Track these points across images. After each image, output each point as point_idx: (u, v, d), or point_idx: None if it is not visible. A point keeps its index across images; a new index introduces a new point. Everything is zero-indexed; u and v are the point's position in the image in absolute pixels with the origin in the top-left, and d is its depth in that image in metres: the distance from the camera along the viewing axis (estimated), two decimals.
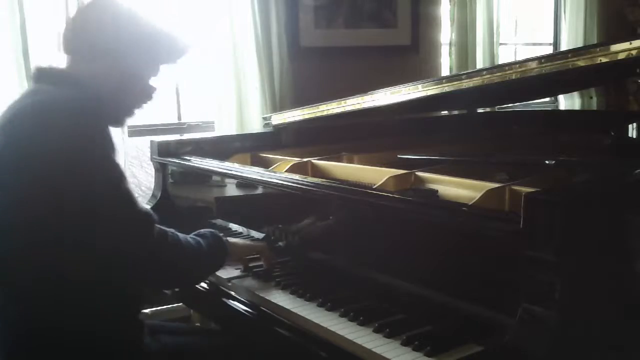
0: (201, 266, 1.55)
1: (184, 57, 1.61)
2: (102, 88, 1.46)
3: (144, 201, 2.58)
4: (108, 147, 1.38)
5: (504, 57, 4.23)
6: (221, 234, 1.62)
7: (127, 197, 1.41)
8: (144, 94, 1.56)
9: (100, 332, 1.39)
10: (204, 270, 1.59)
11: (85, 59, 1.47)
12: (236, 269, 1.70)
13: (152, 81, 1.56)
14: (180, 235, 1.49)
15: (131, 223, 1.39)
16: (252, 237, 1.92)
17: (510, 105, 2.69)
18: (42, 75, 1.48)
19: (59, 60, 1.53)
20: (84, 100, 1.39)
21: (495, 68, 1.69)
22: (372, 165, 1.90)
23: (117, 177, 1.39)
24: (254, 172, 1.88)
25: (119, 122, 1.58)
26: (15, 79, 2.61)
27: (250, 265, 1.69)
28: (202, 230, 1.60)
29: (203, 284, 1.71)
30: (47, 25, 2.71)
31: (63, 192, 1.31)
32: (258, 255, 1.71)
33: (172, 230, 1.49)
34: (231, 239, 1.66)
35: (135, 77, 1.51)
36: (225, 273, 1.67)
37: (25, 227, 1.32)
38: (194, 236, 1.54)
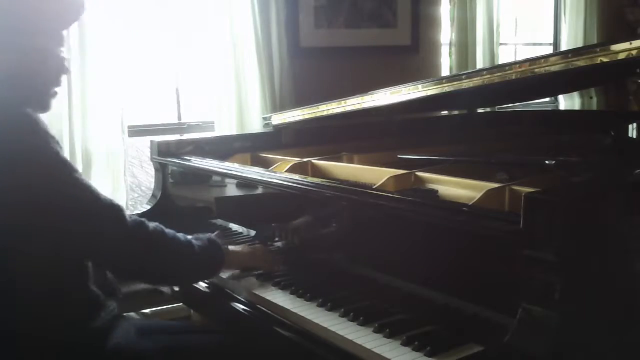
0: (188, 264, 1.50)
1: (81, 16, 1.51)
2: (6, 74, 1.37)
3: (144, 201, 2.59)
4: (47, 138, 1.31)
5: (504, 57, 4.23)
6: (220, 242, 1.59)
7: (82, 187, 1.34)
8: (57, 65, 1.45)
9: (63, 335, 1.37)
10: (192, 270, 1.54)
11: None
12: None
13: (60, 51, 1.45)
14: (169, 230, 1.45)
15: (97, 216, 1.34)
16: (250, 236, 1.92)
17: (510, 105, 2.69)
18: None
19: None
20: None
21: (495, 68, 1.69)
22: (372, 165, 1.90)
23: (63, 170, 1.32)
24: (254, 172, 1.88)
25: (43, 106, 1.46)
26: None
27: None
28: (202, 234, 1.58)
29: (203, 284, 1.71)
30: None
31: (16, 200, 1.26)
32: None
33: (156, 223, 1.45)
34: (233, 248, 1.64)
35: (34, 48, 1.39)
36: (224, 273, 1.67)
37: None
38: (188, 236, 1.51)
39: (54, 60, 1.43)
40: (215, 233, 1.64)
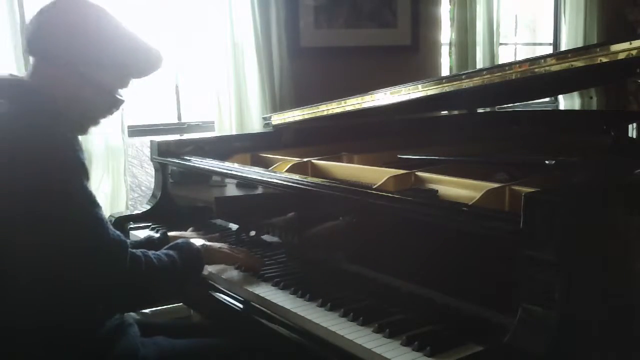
0: (175, 281, 1.51)
1: (154, 73, 1.56)
2: (62, 95, 1.41)
3: (144, 201, 2.59)
4: (79, 164, 1.32)
5: (504, 57, 4.24)
6: (200, 243, 1.60)
7: (96, 225, 1.33)
8: (111, 105, 1.52)
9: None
10: (179, 284, 1.56)
11: (49, 62, 1.42)
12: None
13: (121, 92, 1.52)
14: (152, 254, 1.44)
15: (101, 253, 1.33)
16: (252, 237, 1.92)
17: (510, 105, 2.69)
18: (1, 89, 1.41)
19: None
20: (46, 116, 1.34)
21: (495, 68, 1.69)
22: (372, 165, 1.90)
23: (83, 203, 1.32)
24: (254, 172, 1.88)
25: (82, 131, 1.52)
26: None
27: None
28: (178, 242, 1.58)
29: (202, 284, 1.71)
30: None
31: (29, 220, 1.26)
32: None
33: (143, 251, 1.43)
34: (211, 244, 1.65)
35: (100, 88, 1.46)
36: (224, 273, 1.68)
37: None
38: (166, 250, 1.51)
39: (111, 99, 1.50)
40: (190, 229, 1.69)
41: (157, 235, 1.84)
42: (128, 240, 1.42)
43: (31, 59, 1.47)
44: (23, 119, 1.33)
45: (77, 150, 1.35)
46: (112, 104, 1.52)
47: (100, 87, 1.46)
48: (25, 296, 1.32)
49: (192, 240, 1.62)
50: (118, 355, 1.45)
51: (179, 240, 1.60)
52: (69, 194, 1.30)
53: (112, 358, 1.44)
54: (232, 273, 1.67)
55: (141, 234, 2.11)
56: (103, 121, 1.55)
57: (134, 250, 1.39)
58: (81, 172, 1.34)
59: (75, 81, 1.43)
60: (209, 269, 1.69)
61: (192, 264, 1.55)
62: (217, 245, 1.69)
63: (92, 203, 1.34)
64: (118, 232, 1.38)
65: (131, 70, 1.51)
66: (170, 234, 1.84)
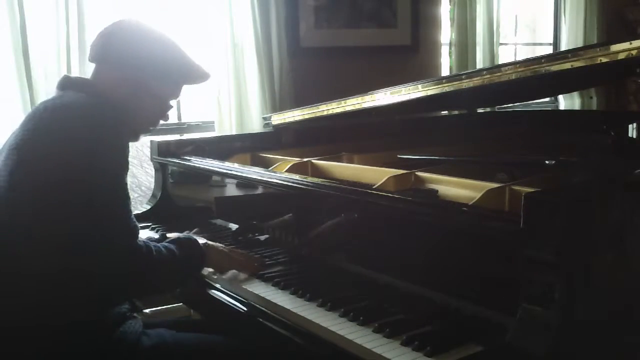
0: (174, 274, 1.54)
1: (203, 82, 1.70)
2: (123, 100, 1.52)
3: (144, 201, 2.59)
4: (124, 161, 1.43)
5: (504, 57, 4.24)
6: (202, 241, 1.62)
7: (124, 216, 1.41)
8: (162, 113, 1.64)
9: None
10: (179, 278, 1.59)
11: (111, 69, 1.54)
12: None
13: (172, 102, 1.65)
14: (153, 245, 1.48)
15: (117, 236, 1.40)
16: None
17: (510, 105, 2.69)
18: (67, 83, 1.54)
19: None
20: (104, 108, 1.45)
21: (495, 68, 1.69)
22: (372, 165, 1.90)
23: (118, 195, 1.41)
24: (254, 172, 1.88)
25: (135, 136, 1.63)
26: (15, 79, 2.61)
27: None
28: (180, 236, 1.61)
29: (203, 284, 1.71)
30: (47, 25, 2.70)
31: (68, 194, 1.33)
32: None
33: (144, 240, 1.49)
34: (214, 244, 1.67)
35: (155, 94, 1.59)
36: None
37: (27, 224, 1.35)
38: (167, 244, 1.53)
39: (163, 107, 1.64)
40: (194, 231, 1.76)
41: (157, 236, 1.85)
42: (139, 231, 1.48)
43: (94, 67, 1.58)
44: (91, 108, 1.44)
45: (127, 151, 1.46)
46: (164, 113, 1.65)
47: (157, 96, 1.60)
48: (31, 282, 1.35)
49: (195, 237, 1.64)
50: (118, 344, 1.46)
51: (181, 235, 1.62)
52: (113, 184, 1.40)
53: (113, 347, 1.45)
54: (232, 273, 1.67)
55: (141, 234, 2.10)
56: (152, 129, 1.66)
57: (138, 240, 1.45)
58: (125, 171, 1.45)
59: (134, 89, 1.55)
60: (209, 269, 1.69)
61: (192, 260, 1.57)
62: (219, 246, 1.69)
63: (126, 196, 1.44)
64: (135, 222, 1.46)
65: (183, 79, 1.64)
66: (169, 235, 1.84)
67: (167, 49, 1.60)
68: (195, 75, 1.66)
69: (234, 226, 2.02)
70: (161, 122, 1.67)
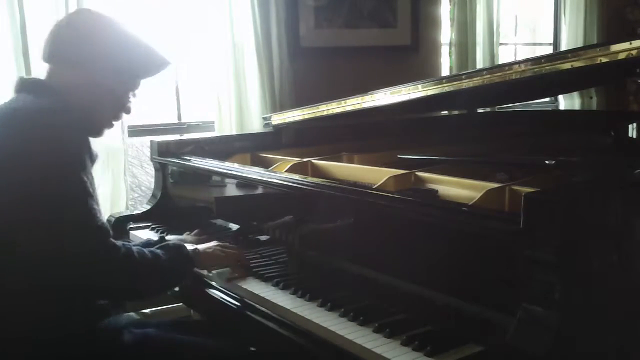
0: (158, 278, 1.52)
1: (162, 72, 1.64)
2: (78, 98, 1.49)
3: (144, 201, 2.59)
4: (79, 160, 1.38)
5: (504, 57, 4.23)
6: (188, 246, 1.61)
7: (86, 213, 1.37)
8: (121, 107, 1.60)
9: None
10: (164, 282, 1.57)
11: (63, 68, 1.50)
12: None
13: (131, 95, 1.60)
14: (135, 248, 1.46)
15: (83, 235, 1.36)
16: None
17: (510, 105, 2.69)
18: (21, 85, 1.52)
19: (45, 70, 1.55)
20: (59, 111, 1.42)
21: (495, 68, 1.69)
22: (372, 165, 1.90)
23: (77, 194, 1.37)
24: (254, 172, 1.88)
25: (97, 133, 1.59)
26: (15, 79, 2.61)
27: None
28: (169, 242, 1.60)
29: (202, 284, 1.71)
30: (47, 26, 2.70)
31: (26, 199, 1.31)
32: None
33: (127, 243, 1.47)
34: (202, 247, 1.65)
35: (111, 90, 1.54)
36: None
37: None
38: (154, 249, 1.52)
39: (124, 101, 1.60)
40: (194, 232, 1.72)
41: (156, 238, 1.84)
42: (111, 231, 1.44)
43: (48, 67, 1.54)
44: (46, 112, 1.40)
45: (84, 151, 1.40)
46: (124, 107, 1.61)
47: (115, 93, 1.56)
48: (9, 285, 1.35)
49: (186, 244, 1.62)
50: (101, 348, 1.46)
51: (170, 241, 1.61)
52: (66, 185, 1.36)
53: (95, 351, 1.45)
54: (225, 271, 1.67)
55: (141, 234, 2.12)
56: (115, 123, 1.63)
57: (114, 240, 1.42)
58: (79, 168, 1.39)
59: (90, 88, 1.51)
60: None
61: (177, 265, 1.55)
62: (208, 247, 1.68)
63: (87, 193, 1.38)
64: (104, 220, 1.43)
65: (140, 72, 1.59)
66: (168, 237, 1.84)
67: (120, 41, 1.54)
68: (153, 67, 1.61)
69: (234, 226, 2.02)
70: (125, 116, 1.64)
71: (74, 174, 1.37)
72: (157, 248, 1.53)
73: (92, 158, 1.47)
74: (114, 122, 1.63)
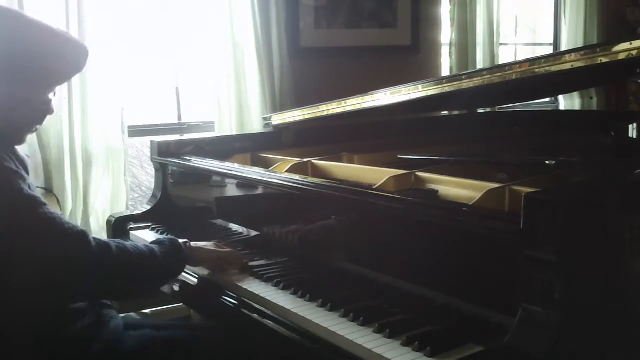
0: (154, 273, 1.52)
1: (76, 75, 1.53)
2: None
3: (144, 201, 2.59)
4: (10, 174, 1.32)
5: (504, 57, 4.24)
6: (182, 240, 1.60)
7: (46, 220, 1.33)
8: (45, 110, 1.46)
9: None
10: (158, 277, 1.56)
11: None
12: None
13: (49, 97, 1.46)
14: (129, 243, 1.45)
15: (61, 248, 1.33)
16: (249, 235, 1.92)
17: (510, 105, 2.69)
18: None
19: None
20: None
21: (495, 68, 1.69)
22: (372, 165, 1.90)
23: (27, 206, 1.32)
24: (254, 172, 1.88)
25: (19, 141, 1.48)
26: None
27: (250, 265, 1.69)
28: (161, 237, 1.58)
29: (202, 284, 1.71)
30: None
31: None
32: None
33: (118, 240, 1.46)
34: (196, 243, 1.65)
35: (29, 100, 1.41)
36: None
37: None
38: (148, 244, 1.51)
39: (42, 105, 1.45)
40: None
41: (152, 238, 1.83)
42: (86, 229, 1.41)
43: None
44: None
45: (4, 160, 1.34)
46: (46, 111, 1.47)
47: (29, 100, 1.41)
48: (8, 286, 1.33)
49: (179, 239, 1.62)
50: (98, 350, 1.45)
51: (162, 237, 1.60)
52: (8, 204, 1.31)
53: (92, 353, 1.44)
54: (233, 273, 1.68)
55: (141, 234, 2.12)
56: (38, 127, 1.51)
57: (100, 238, 1.41)
58: (14, 178, 1.33)
59: (6, 102, 1.39)
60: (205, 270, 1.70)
61: (172, 258, 1.54)
62: (201, 243, 1.68)
63: (36, 204, 1.34)
64: (73, 224, 1.39)
65: (56, 79, 1.46)
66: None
67: (20, 46, 1.36)
68: (70, 68, 1.46)
69: (234, 226, 2.02)
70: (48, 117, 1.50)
71: (14, 190, 1.31)
72: (151, 242, 1.53)
73: (24, 164, 1.40)
74: (37, 127, 1.50)
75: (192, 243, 1.65)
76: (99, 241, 1.39)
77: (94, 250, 1.37)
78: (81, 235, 1.37)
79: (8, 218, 1.30)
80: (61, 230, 1.34)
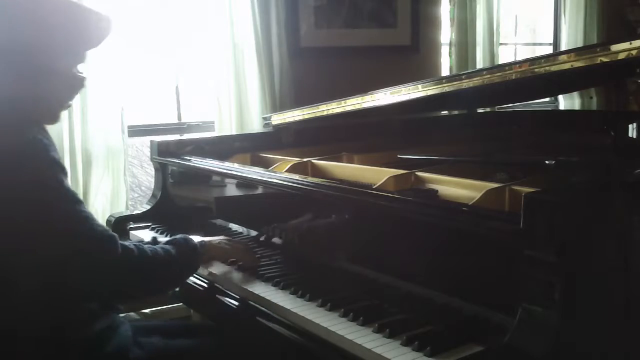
0: (172, 273, 1.53)
1: (106, 40, 1.49)
2: (20, 94, 1.36)
3: (144, 201, 2.59)
4: (48, 172, 1.30)
5: (504, 57, 4.23)
6: (197, 240, 1.60)
7: (81, 221, 1.33)
8: (74, 84, 1.45)
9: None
10: (177, 277, 1.57)
11: None
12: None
13: (81, 67, 1.46)
14: (147, 247, 1.46)
15: (91, 248, 1.33)
16: (252, 237, 1.92)
17: (510, 105, 2.69)
18: None
19: None
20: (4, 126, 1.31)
21: (495, 68, 1.69)
22: (372, 165, 1.90)
23: (67, 201, 1.32)
24: (254, 172, 1.88)
25: (53, 118, 1.46)
26: None
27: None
28: (176, 237, 1.58)
29: (202, 284, 1.71)
30: None
31: (13, 227, 1.26)
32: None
33: (138, 243, 1.47)
34: (209, 239, 1.65)
35: (54, 71, 1.39)
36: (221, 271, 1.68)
37: None
38: (164, 245, 1.52)
39: (72, 79, 1.44)
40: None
41: (148, 239, 1.82)
42: (116, 234, 1.41)
43: None
44: None
45: (49, 149, 1.33)
46: (75, 85, 1.46)
47: (60, 73, 1.40)
48: (15, 295, 1.32)
49: (191, 237, 1.62)
50: (108, 355, 1.45)
51: (177, 236, 1.60)
52: (51, 196, 1.30)
53: (103, 358, 1.44)
54: (232, 273, 1.68)
55: (141, 234, 2.12)
56: (71, 102, 1.49)
57: (125, 242, 1.41)
58: (58, 171, 1.33)
59: (30, 75, 1.37)
60: (209, 269, 1.69)
61: (188, 257, 1.55)
62: (215, 239, 1.69)
63: (74, 201, 1.34)
64: (104, 226, 1.40)
65: (84, 43, 1.44)
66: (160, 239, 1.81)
67: (47, 16, 1.35)
68: (95, 35, 1.44)
69: (234, 226, 2.02)
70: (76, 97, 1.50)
71: (55, 185, 1.30)
72: (166, 243, 1.53)
73: (57, 153, 1.37)
74: (70, 102, 1.48)
75: (207, 239, 1.65)
76: (123, 246, 1.39)
77: (120, 256, 1.37)
78: (111, 239, 1.37)
79: (46, 212, 1.30)
80: (93, 231, 1.34)
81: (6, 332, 1.34)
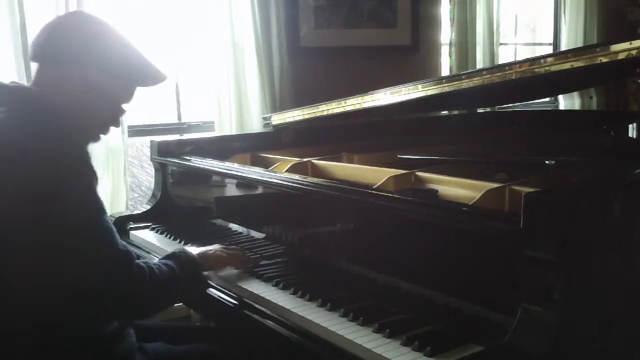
0: (176, 291, 1.52)
1: (158, 84, 1.59)
2: (67, 102, 1.41)
3: (144, 201, 2.59)
4: (84, 179, 1.32)
5: (504, 57, 4.24)
6: (195, 252, 1.59)
7: (106, 233, 1.34)
8: (115, 115, 1.53)
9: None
10: (179, 293, 1.56)
11: (54, 67, 1.42)
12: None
13: (125, 106, 1.55)
14: (154, 265, 1.45)
15: (109, 262, 1.33)
16: (252, 237, 1.92)
17: (510, 105, 2.69)
18: (3, 96, 1.40)
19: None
20: (44, 124, 1.34)
21: (495, 68, 1.69)
22: (372, 165, 1.90)
23: (94, 210, 1.33)
24: (254, 172, 1.88)
25: (93, 137, 1.53)
26: (15, 79, 2.61)
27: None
28: (175, 251, 1.57)
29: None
30: None
31: (37, 226, 1.26)
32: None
33: (145, 261, 1.45)
34: (204, 249, 1.64)
35: (106, 92, 1.46)
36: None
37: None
38: (165, 261, 1.50)
39: (119, 110, 1.54)
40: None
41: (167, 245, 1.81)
42: (132, 251, 1.41)
43: (36, 66, 1.46)
44: (26, 127, 1.33)
45: (88, 157, 1.36)
46: (116, 117, 1.54)
47: (108, 96, 1.48)
48: (25, 300, 1.31)
49: (188, 249, 1.62)
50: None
51: (175, 250, 1.59)
52: (83, 202, 1.31)
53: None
54: (232, 273, 1.67)
55: (141, 234, 2.12)
56: (102, 136, 1.56)
57: (138, 261, 1.40)
58: (93, 179, 1.36)
59: (82, 87, 1.43)
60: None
61: (191, 272, 1.54)
62: (211, 249, 1.67)
63: (102, 211, 1.35)
64: (124, 242, 1.40)
65: (136, 78, 1.53)
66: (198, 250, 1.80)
67: (116, 43, 1.48)
68: (150, 76, 1.55)
69: (234, 226, 2.02)
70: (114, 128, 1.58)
71: (89, 192, 1.32)
72: (167, 260, 1.51)
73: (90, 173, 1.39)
74: (101, 135, 1.55)
75: (203, 249, 1.64)
76: (137, 265, 1.38)
77: (133, 275, 1.36)
78: (129, 256, 1.37)
79: (76, 220, 1.30)
80: (114, 245, 1.34)
81: (14, 338, 1.33)
